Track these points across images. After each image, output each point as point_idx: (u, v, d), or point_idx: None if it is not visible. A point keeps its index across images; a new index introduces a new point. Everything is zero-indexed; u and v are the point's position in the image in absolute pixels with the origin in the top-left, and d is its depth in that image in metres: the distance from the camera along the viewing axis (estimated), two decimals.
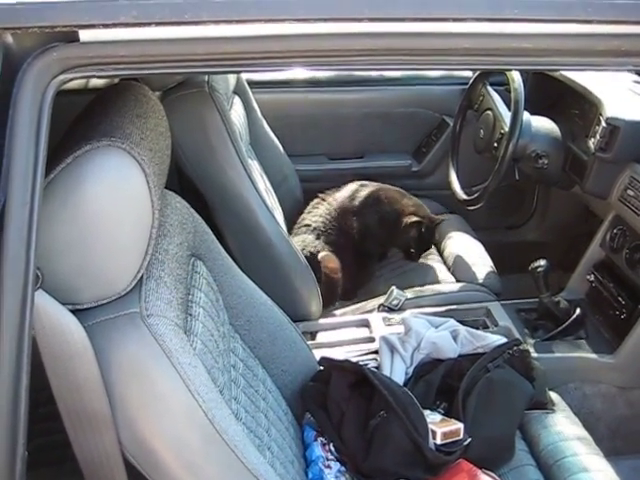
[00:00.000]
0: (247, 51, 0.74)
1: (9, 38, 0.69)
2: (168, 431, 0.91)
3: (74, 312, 0.85)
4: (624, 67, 0.82)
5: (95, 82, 1.79)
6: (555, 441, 1.45)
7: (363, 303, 2.03)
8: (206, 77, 1.66)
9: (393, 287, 1.95)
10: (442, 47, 0.75)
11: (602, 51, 0.80)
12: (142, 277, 0.92)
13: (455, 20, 0.72)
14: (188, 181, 1.73)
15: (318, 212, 2.18)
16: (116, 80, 1.25)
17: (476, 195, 2.18)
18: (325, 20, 0.71)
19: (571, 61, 0.83)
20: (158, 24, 0.68)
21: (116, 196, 0.85)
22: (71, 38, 0.70)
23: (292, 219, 2.19)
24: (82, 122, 0.95)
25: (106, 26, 0.67)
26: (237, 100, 2.03)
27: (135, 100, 1.00)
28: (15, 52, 0.70)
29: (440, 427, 1.35)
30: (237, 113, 1.95)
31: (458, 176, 2.35)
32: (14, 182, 0.70)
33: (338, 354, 1.65)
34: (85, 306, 0.87)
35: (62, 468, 1.36)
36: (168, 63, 0.74)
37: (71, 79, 0.72)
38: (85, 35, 0.70)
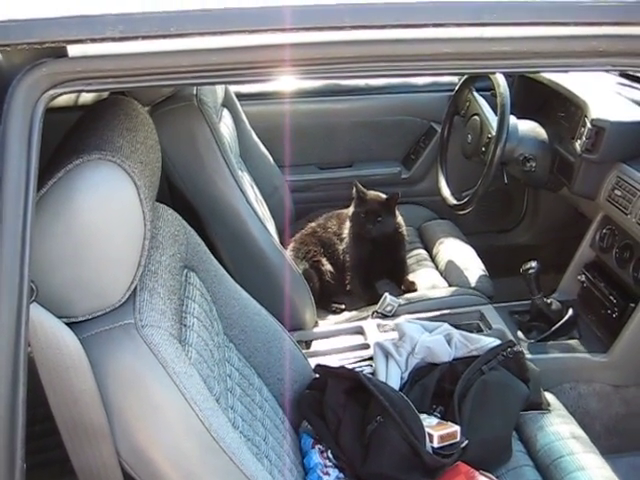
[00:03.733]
0: (232, 62, 0.75)
1: None
2: (165, 440, 0.91)
3: (69, 325, 0.86)
4: (603, 67, 0.83)
5: (84, 99, 1.80)
6: (552, 441, 1.46)
7: (357, 311, 2.04)
8: (194, 90, 1.68)
9: (386, 294, 1.96)
10: (423, 53, 0.77)
11: (580, 52, 0.82)
12: (136, 288, 0.93)
13: (435, 26, 0.73)
14: (179, 194, 1.74)
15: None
16: (104, 95, 1.26)
17: (466, 200, 2.20)
18: (307, 29, 0.72)
19: (551, 63, 0.84)
20: (144, 38, 0.69)
21: (108, 209, 0.86)
22: (59, 53, 0.71)
23: (284, 229, 2.21)
24: (72, 137, 0.96)
25: (94, 41, 0.68)
26: (226, 113, 2.05)
27: (124, 114, 1.01)
28: (4, 69, 0.71)
29: (437, 430, 1.35)
30: (226, 125, 1.96)
31: (447, 182, 2.37)
32: (6, 196, 0.71)
33: (333, 362, 1.65)
34: (80, 319, 0.88)
35: None
36: (155, 76, 0.75)
37: (61, 94, 0.73)
38: (73, 50, 0.71)
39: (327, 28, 0.72)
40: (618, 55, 0.83)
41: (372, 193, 2.14)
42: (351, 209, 2.15)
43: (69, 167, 0.84)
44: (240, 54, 0.74)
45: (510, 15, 0.76)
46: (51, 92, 0.72)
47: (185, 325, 1.06)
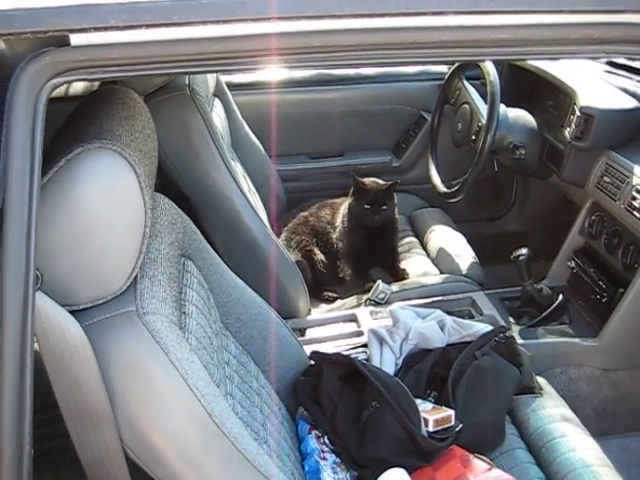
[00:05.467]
0: (234, 50, 0.76)
1: (1, 44, 0.71)
2: (168, 426, 0.92)
3: (72, 313, 0.87)
4: (597, 54, 0.85)
5: (74, 89, 1.80)
6: (544, 424, 1.48)
7: (350, 299, 2.06)
8: (187, 80, 1.68)
9: (379, 281, 1.98)
10: (422, 40, 0.78)
11: (575, 39, 0.83)
12: (136, 276, 0.93)
13: (434, 14, 0.74)
14: (171, 183, 1.74)
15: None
16: (96, 86, 1.26)
17: (456, 188, 2.21)
18: (309, 18, 0.73)
19: (546, 50, 0.86)
20: (148, 26, 0.70)
21: (109, 197, 0.87)
22: (62, 42, 0.72)
23: (275, 219, 2.21)
24: (71, 126, 0.96)
25: (97, 29, 0.69)
26: (217, 102, 2.05)
27: (122, 103, 1.02)
28: (8, 58, 0.71)
29: (432, 415, 1.37)
30: (218, 115, 1.97)
31: (438, 170, 2.39)
32: (12, 184, 0.72)
33: (328, 349, 1.67)
34: (82, 307, 0.89)
35: (59, 474, 1.37)
36: (158, 64, 0.76)
37: (64, 83, 0.73)
38: (76, 39, 0.71)
39: (328, 16, 0.73)
40: (612, 42, 0.85)
41: (370, 181, 2.16)
42: (350, 200, 2.15)
43: (70, 156, 0.84)
44: (242, 42, 0.75)
45: (507, 3, 0.77)
46: (54, 81, 0.72)
47: (184, 313, 1.06)
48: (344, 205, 2.22)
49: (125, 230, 0.89)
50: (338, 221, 2.20)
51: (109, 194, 0.87)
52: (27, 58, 0.71)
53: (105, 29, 0.69)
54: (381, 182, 2.17)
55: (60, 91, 1.76)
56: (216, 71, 1.68)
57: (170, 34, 0.73)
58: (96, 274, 0.88)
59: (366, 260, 2.18)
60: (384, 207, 2.10)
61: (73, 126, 0.95)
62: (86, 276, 0.87)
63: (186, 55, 0.76)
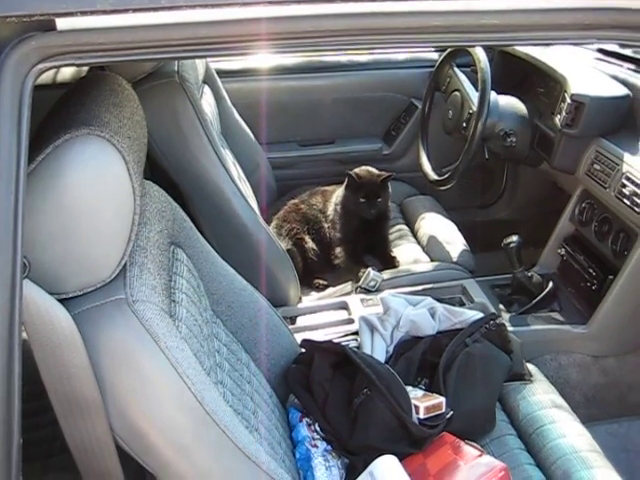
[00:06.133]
0: (223, 35, 0.75)
1: None
2: (158, 414, 0.92)
3: (60, 301, 0.86)
4: (588, 40, 0.85)
5: (63, 76, 1.78)
6: (534, 410, 1.49)
7: (340, 286, 2.06)
8: (176, 67, 1.66)
9: (369, 269, 1.98)
10: (413, 25, 0.77)
11: (566, 25, 0.83)
12: (126, 264, 0.93)
13: None
14: (161, 171, 1.73)
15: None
16: (84, 73, 1.24)
17: (447, 175, 2.21)
18: (299, 2, 0.72)
19: (537, 35, 0.85)
20: (135, 10, 0.69)
21: (97, 184, 0.86)
22: (48, 27, 0.70)
23: (266, 206, 2.21)
24: (58, 113, 0.95)
25: (84, 13, 0.67)
26: (207, 90, 2.03)
27: (110, 90, 1.01)
28: None
29: (422, 402, 1.38)
30: (207, 102, 1.95)
31: (429, 157, 2.39)
32: None
33: (319, 336, 1.67)
34: (71, 295, 0.88)
35: (48, 463, 1.37)
36: (146, 49, 0.74)
37: (50, 68, 0.72)
38: (62, 23, 0.70)
39: (318, 1, 0.72)
40: (603, 28, 0.84)
41: (364, 171, 2.15)
42: (345, 193, 2.15)
43: (57, 143, 0.83)
44: (231, 27, 0.74)
45: None
46: (40, 66, 0.71)
47: (174, 301, 1.06)
48: (336, 194, 2.21)
49: (114, 217, 0.89)
50: (330, 210, 2.20)
51: (97, 181, 0.86)
52: (12, 43, 0.70)
53: (92, 13, 0.68)
54: (375, 171, 2.16)
55: (48, 78, 1.75)
56: (205, 56, 1.66)
57: (158, 18, 0.72)
58: (85, 262, 0.87)
59: (359, 247, 2.18)
60: (379, 200, 2.10)
61: (60, 113, 0.94)
62: (75, 264, 0.87)
63: (174, 40, 0.75)
